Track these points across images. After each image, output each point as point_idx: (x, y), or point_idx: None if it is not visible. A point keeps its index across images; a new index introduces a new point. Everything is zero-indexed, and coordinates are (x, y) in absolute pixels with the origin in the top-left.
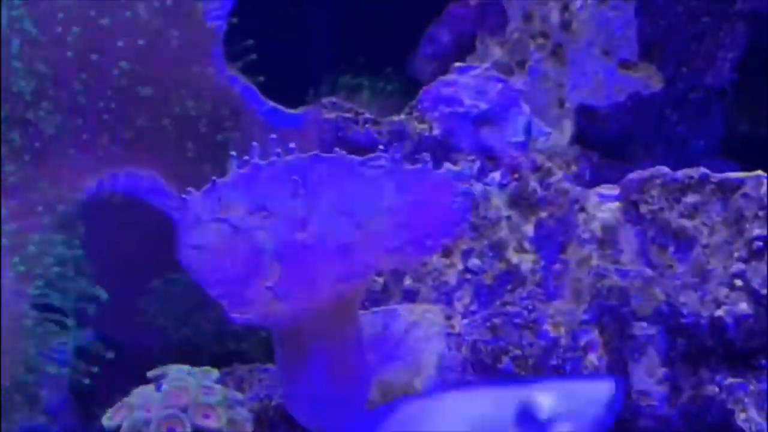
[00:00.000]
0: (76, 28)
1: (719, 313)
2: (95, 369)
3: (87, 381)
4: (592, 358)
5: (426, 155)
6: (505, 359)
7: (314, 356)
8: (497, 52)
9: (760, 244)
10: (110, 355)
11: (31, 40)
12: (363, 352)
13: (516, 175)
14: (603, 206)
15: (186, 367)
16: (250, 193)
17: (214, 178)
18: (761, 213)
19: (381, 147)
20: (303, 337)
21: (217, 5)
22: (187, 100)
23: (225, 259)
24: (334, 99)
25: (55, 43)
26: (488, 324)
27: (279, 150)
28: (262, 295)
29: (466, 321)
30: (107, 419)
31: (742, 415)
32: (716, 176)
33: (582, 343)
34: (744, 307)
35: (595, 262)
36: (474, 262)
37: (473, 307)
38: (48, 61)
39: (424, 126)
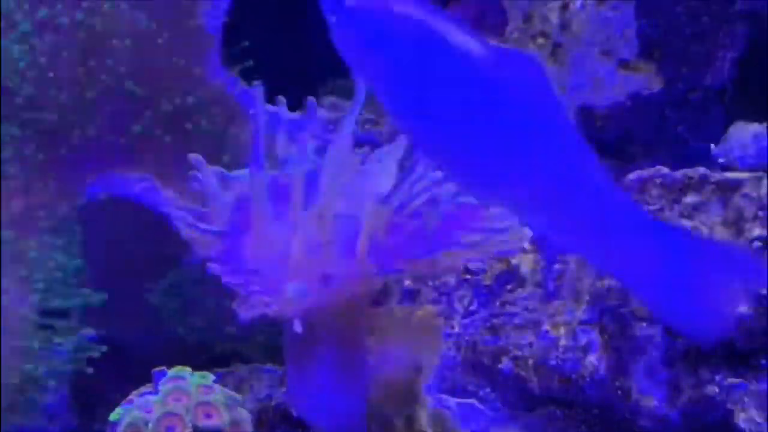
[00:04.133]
0: (71, 31)
1: None
2: (94, 369)
3: (88, 380)
4: (592, 358)
5: None
6: (505, 359)
7: (322, 353)
8: None
9: (760, 244)
10: (102, 349)
11: (28, 43)
12: (366, 352)
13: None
14: None
15: (186, 369)
16: (272, 190)
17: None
18: (761, 213)
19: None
20: (313, 333)
21: (212, 7)
22: (183, 103)
23: (243, 250)
24: (333, 99)
25: (51, 46)
26: (488, 324)
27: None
28: (281, 287)
29: (466, 321)
30: (115, 415)
31: (742, 415)
32: (716, 176)
33: (582, 343)
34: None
35: None
36: (474, 262)
37: (473, 308)
38: (44, 64)
39: None
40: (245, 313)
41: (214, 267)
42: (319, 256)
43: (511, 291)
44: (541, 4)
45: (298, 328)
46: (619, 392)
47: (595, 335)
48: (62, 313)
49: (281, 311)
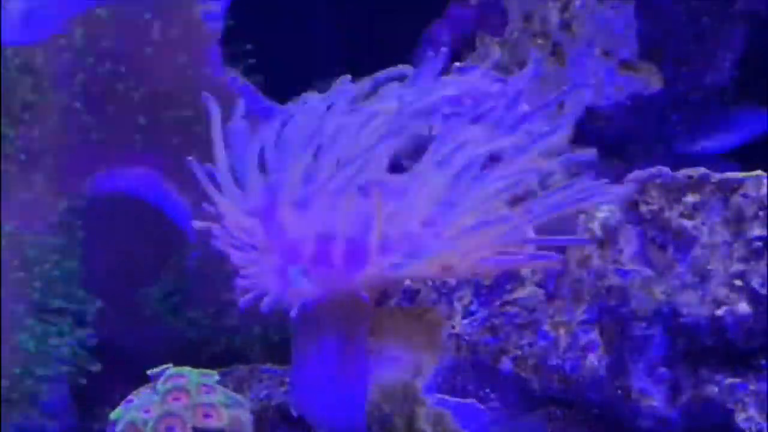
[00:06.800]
0: (73, 29)
1: (719, 313)
2: (95, 369)
3: (85, 381)
4: (592, 358)
5: None
6: (505, 359)
7: (324, 352)
8: (497, 52)
9: (760, 244)
10: (97, 368)
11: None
12: (368, 351)
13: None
14: (603, 206)
15: (186, 369)
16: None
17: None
18: (761, 213)
19: None
20: (316, 332)
21: (213, 5)
22: (184, 100)
23: (258, 230)
24: None
25: (52, 43)
26: (488, 324)
27: None
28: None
29: (466, 321)
30: (116, 415)
31: (742, 415)
32: (716, 176)
33: (582, 343)
34: (744, 307)
35: (595, 262)
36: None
37: (473, 308)
38: (45, 61)
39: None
40: (246, 294)
41: (221, 244)
42: (330, 248)
43: (511, 291)
44: (541, 4)
45: (293, 314)
46: (619, 392)
47: (595, 335)
48: (60, 312)
49: (282, 296)
